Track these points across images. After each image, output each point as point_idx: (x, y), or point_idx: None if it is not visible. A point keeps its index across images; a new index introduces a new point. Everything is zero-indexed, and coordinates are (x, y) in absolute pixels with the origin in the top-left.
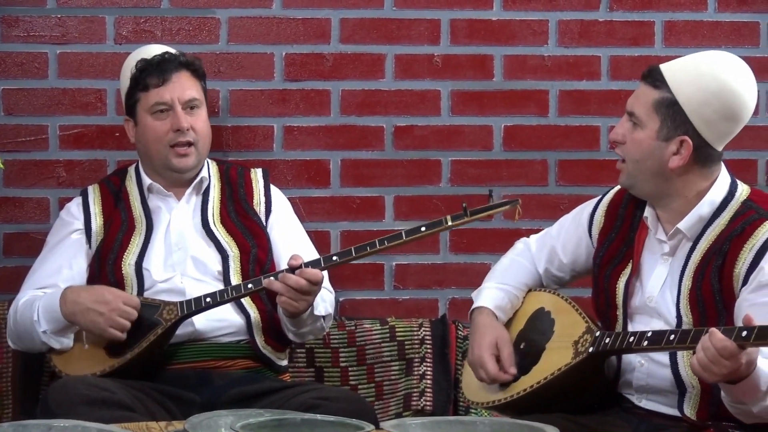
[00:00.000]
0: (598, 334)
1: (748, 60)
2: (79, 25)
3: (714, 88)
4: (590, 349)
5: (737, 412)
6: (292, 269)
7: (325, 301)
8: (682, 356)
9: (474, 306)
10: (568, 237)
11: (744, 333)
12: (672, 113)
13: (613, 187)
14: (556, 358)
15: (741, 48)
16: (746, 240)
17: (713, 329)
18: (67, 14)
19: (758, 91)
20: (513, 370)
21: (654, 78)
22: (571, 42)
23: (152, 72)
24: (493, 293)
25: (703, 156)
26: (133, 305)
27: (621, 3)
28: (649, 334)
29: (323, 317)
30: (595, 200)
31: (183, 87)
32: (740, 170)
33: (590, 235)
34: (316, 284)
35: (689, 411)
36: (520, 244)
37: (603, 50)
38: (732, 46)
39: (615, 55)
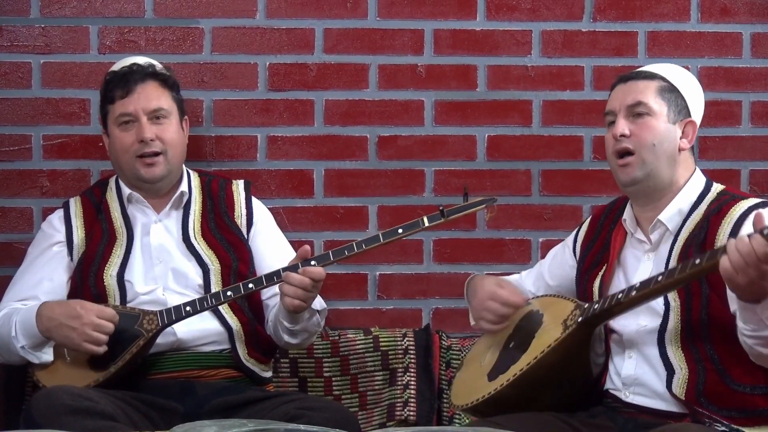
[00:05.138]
0: (586, 306)
1: (730, 70)
2: (63, 35)
3: (694, 80)
4: (579, 319)
5: (760, 344)
6: (306, 261)
7: (318, 297)
8: (669, 340)
9: (469, 278)
10: (555, 261)
11: (766, 231)
12: (675, 98)
13: (611, 197)
14: (545, 339)
15: (723, 58)
16: (724, 216)
17: (753, 234)
18: (50, 24)
19: (741, 101)
20: (525, 296)
21: (645, 73)
22: (555, 52)
23: (117, 84)
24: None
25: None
26: (107, 317)
27: (604, 13)
28: (637, 285)
29: (318, 312)
30: (579, 225)
31: (148, 97)
32: (724, 180)
33: (574, 252)
34: (319, 281)
35: (678, 391)
36: (516, 276)
37: (586, 60)
38: (714, 56)
39: (598, 66)
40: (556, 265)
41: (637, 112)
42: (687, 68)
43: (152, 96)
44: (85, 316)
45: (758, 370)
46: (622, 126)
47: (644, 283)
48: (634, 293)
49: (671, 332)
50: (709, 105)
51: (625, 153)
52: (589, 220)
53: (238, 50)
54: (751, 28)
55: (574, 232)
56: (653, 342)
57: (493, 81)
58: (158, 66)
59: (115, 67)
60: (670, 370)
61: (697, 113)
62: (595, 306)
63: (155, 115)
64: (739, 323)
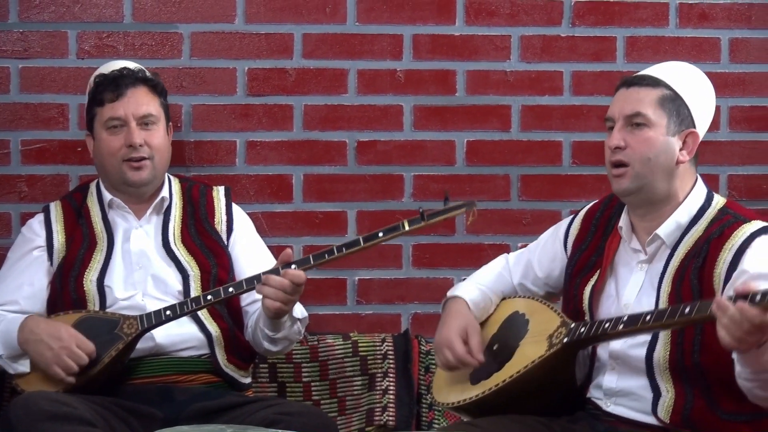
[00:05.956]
0: (573, 325)
1: (709, 75)
2: (42, 40)
3: (704, 84)
4: (565, 340)
5: (760, 383)
6: (287, 265)
7: (299, 306)
8: (658, 361)
9: (449, 295)
10: (544, 251)
11: (757, 297)
12: (677, 107)
13: (590, 202)
14: (529, 352)
15: (702, 63)
16: (725, 241)
17: (741, 303)
18: (29, 29)
19: (719, 107)
20: (480, 357)
21: (649, 79)
22: (534, 57)
23: (107, 87)
24: (471, 289)
25: (696, 151)
26: (86, 350)
27: (583, 18)
28: (625, 318)
29: (299, 320)
30: (572, 215)
31: (138, 103)
32: None
33: (565, 248)
34: (300, 285)
35: (663, 414)
36: (502, 259)
37: (565, 65)
38: (693, 61)
39: (577, 70)
40: (546, 256)
41: (635, 122)
42: None
43: (142, 101)
44: (66, 340)
45: (746, 397)
46: (617, 138)
47: (632, 319)
48: (621, 327)
49: (660, 353)
50: None
51: (619, 164)
52: (582, 216)
53: (216, 55)
54: (729, 34)
55: (566, 225)
56: (640, 359)
57: (472, 86)
58: (147, 72)
59: (104, 70)
60: (656, 392)
61: (702, 122)
62: (582, 330)
63: (144, 121)
64: (737, 367)
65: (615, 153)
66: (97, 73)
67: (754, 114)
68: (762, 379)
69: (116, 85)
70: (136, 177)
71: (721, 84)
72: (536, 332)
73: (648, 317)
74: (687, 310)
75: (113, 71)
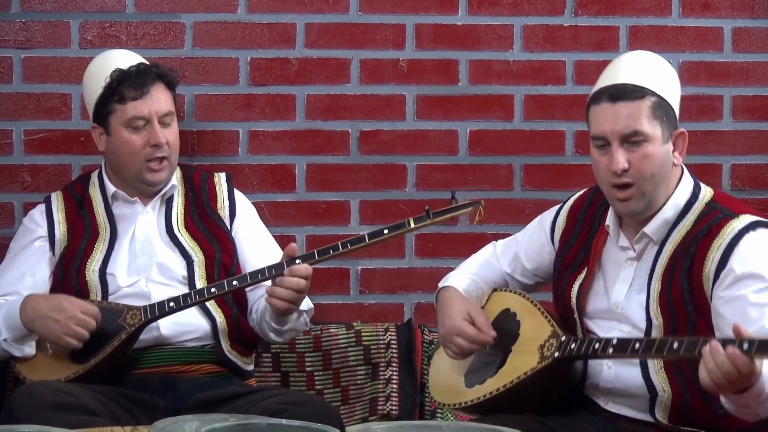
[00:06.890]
0: (563, 339)
1: (711, 64)
2: (44, 30)
3: (671, 71)
4: (556, 354)
5: (740, 413)
6: (291, 260)
7: (305, 298)
8: (653, 361)
9: (441, 286)
10: (531, 244)
11: (745, 345)
12: (664, 112)
13: (574, 193)
14: (521, 362)
15: (704, 53)
16: (713, 239)
17: (732, 350)
18: (31, 19)
19: (722, 96)
20: (492, 332)
21: (634, 91)
22: (536, 47)
23: (130, 84)
24: (462, 279)
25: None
26: (91, 314)
27: (586, 8)
28: (615, 342)
29: (305, 312)
30: (557, 207)
31: (160, 101)
32: (705, 175)
33: (552, 241)
34: (307, 278)
35: (661, 415)
36: (490, 247)
37: (568, 55)
38: (696, 51)
39: (580, 60)
40: (533, 249)
41: (634, 140)
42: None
43: (162, 99)
44: (70, 309)
45: None
46: (622, 160)
47: (622, 344)
48: (610, 350)
49: None
50: (690, 100)
51: (625, 186)
52: (568, 210)
53: (219, 45)
54: (732, 23)
55: (551, 218)
56: (635, 359)
57: (475, 75)
58: (160, 66)
59: (109, 61)
60: (652, 392)
61: (678, 113)
62: (572, 346)
63: (163, 120)
64: (721, 397)
65: (621, 176)
66: (101, 62)
67: (756, 103)
68: (743, 412)
69: (140, 83)
70: (156, 178)
71: (724, 73)
72: (527, 339)
73: (637, 345)
74: (675, 345)
75: (131, 67)
